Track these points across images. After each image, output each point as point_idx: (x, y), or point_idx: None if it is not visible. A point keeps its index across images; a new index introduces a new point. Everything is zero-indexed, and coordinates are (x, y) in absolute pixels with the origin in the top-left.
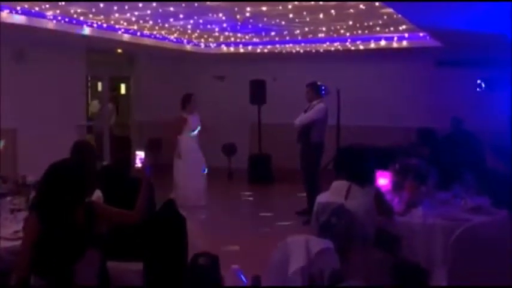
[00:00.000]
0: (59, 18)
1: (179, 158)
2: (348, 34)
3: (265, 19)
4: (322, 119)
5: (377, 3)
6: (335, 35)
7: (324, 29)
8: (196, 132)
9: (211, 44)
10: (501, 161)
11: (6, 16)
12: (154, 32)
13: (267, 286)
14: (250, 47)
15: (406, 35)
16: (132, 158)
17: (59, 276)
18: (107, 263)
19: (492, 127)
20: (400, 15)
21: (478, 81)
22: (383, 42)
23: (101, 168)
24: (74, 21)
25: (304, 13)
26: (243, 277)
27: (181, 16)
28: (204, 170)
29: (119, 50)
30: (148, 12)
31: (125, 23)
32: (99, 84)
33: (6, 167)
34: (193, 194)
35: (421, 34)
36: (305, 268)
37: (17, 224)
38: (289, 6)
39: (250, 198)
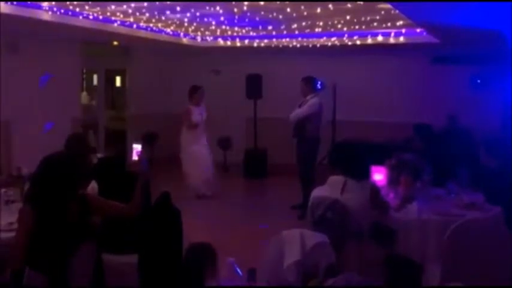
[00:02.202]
0: (55, 9)
1: (184, 149)
2: (345, 29)
3: (262, 13)
4: (316, 114)
5: None
6: (332, 30)
7: (321, 23)
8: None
9: (207, 38)
10: (494, 158)
11: (0, 6)
12: (151, 25)
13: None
14: (247, 41)
15: (403, 30)
16: (129, 151)
17: (54, 269)
18: (102, 256)
19: (487, 124)
20: (397, 11)
21: (478, 81)
22: (380, 38)
23: (97, 161)
24: (70, 13)
25: (302, 7)
26: (238, 270)
27: (178, 9)
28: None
29: (115, 43)
30: (145, 4)
31: (121, 15)
32: (95, 77)
33: (1, 159)
34: (202, 184)
35: (418, 30)
36: (300, 262)
37: (12, 216)
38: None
39: (246, 192)
